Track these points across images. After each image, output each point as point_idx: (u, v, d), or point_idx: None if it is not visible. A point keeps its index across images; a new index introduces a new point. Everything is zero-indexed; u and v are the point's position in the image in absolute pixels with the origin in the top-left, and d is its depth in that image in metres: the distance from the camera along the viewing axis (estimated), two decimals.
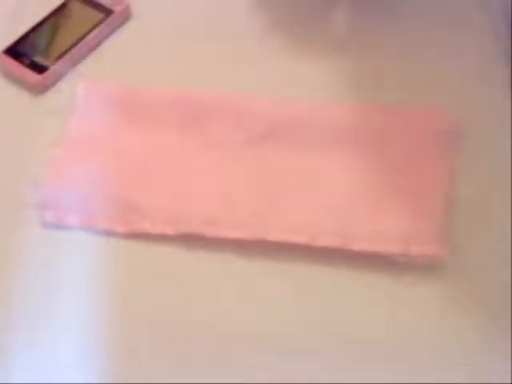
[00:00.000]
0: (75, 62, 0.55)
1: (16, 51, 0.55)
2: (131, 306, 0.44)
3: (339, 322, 0.42)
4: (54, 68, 0.54)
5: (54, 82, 0.54)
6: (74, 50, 0.55)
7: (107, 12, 0.57)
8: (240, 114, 0.49)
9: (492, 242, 0.44)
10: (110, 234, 0.46)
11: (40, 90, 0.53)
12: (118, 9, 0.57)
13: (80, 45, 0.55)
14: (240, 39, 0.55)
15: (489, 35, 0.53)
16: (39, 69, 0.53)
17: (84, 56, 0.55)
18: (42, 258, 0.46)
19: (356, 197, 0.45)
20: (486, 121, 0.49)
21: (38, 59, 0.54)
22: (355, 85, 0.51)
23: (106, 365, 0.42)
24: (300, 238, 0.44)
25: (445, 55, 0.53)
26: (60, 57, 0.54)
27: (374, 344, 0.41)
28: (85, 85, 0.52)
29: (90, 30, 0.56)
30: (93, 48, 0.56)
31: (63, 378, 0.41)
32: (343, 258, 0.44)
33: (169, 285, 0.44)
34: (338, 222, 0.44)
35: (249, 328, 0.42)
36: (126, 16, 0.58)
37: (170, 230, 0.45)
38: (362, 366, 0.41)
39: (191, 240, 0.45)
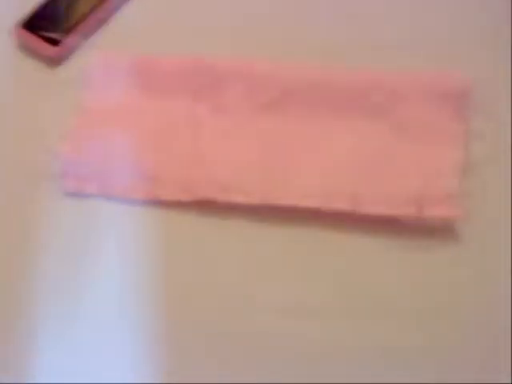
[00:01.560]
0: (90, 33, 0.55)
1: (32, 24, 0.55)
2: (145, 271, 0.45)
3: (352, 286, 0.43)
4: (70, 39, 0.54)
5: (69, 54, 0.54)
6: (88, 21, 0.55)
7: None
8: (252, 80, 0.49)
9: (506, 205, 0.44)
10: (126, 201, 0.47)
11: (56, 61, 0.54)
12: None
13: (94, 15, 0.55)
14: (252, 4, 0.55)
15: None
16: (55, 41, 0.54)
17: (99, 26, 0.56)
18: (65, 227, 0.47)
19: (368, 160, 0.45)
20: (500, 82, 0.48)
21: (54, 31, 0.54)
22: (366, 49, 0.51)
23: (136, 329, 0.43)
24: (312, 202, 0.44)
25: (457, 17, 0.52)
26: (75, 28, 0.55)
27: (387, 309, 0.42)
28: (99, 55, 0.53)
29: (104, 0, 0.56)
30: (107, 18, 0.56)
31: (89, 353, 0.42)
32: (355, 223, 0.44)
33: (183, 250, 0.45)
34: (350, 185, 0.45)
35: (262, 293, 0.43)
36: None
37: (184, 197, 0.46)
38: (373, 330, 0.41)
39: (205, 206, 0.46)
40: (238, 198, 0.45)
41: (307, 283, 0.43)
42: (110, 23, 0.56)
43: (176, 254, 0.45)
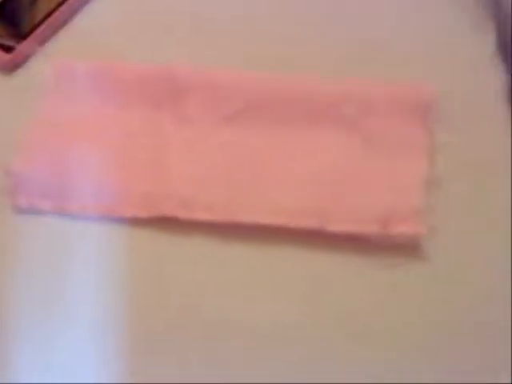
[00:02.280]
0: (46, 40, 0.53)
1: None
2: (106, 288, 0.43)
3: (319, 304, 0.42)
4: (24, 46, 0.52)
5: (24, 61, 0.52)
6: (44, 27, 0.53)
7: None
8: (216, 90, 0.48)
9: (473, 220, 0.43)
10: (83, 218, 0.45)
11: (10, 69, 0.52)
12: None
13: (50, 21, 0.53)
14: (216, 11, 0.53)
15: (471, 6, 0.51)
16: (8, 48, 0.52)
17: (55, 33, 0.53)
18: (16, 244, 0.45)
19: (336, 175, 0.44)
20: (468, 94, 0.47)
21: (7, 38, 0.52)
22: (335, 59, 0.50)
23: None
24: (278, 220, 0.43)
25: (424, 29, 0.51)
26: (30, 34, 0.52)
27: (352, 327, 0.41)
28: (56, 63, 0.51)
29: (60, 5, 0.54)
30: (64, 24, 0.54)
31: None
32: (321, 240, 0.43)
33: (143, 268, 0.44)
34: (318, 202, 0.43)
35: (227, 311, 0.42)
36: None
37: (144, 213, 0.44)
38: (342, 350, 0.40)
39: (166, 223, 0.44)
40: (201, 215, 0.43)
41: (273, 301, 0.42)
42: (67, 29, 0.53)
43: (137, 273, 0.43)
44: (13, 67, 0.52)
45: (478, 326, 0.40)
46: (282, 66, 0.49)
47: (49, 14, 0.53)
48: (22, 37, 0.52)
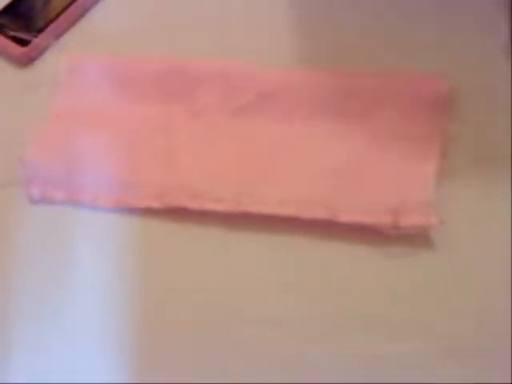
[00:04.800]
0: (60, 33, 0.54)
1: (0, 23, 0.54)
2: (118, 279, 0.43)
3: (327, 294, 0.42)
4: (39, 40, 0.53)
5: (39, 54, 0.53)
6: (59, 21, 0.54)
7: None
8: (227, 82, 0.48)
9: (483, 213, 0.43)
10: (96, 208, 0.46)
11: (25, 62, 0.52)
12: None
13: (65, 15, 0.54)
14: (227, 4, 0.54)
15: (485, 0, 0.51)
16: (24, 41, 0.52)
17: (70, 27, 0.54)
18: (31, 234, 0.45)
19: (344, 167, 0.44)
20: (481, 86, 0.47)
21: (23, 31, 0.53)
22: (343, 49, 0.49)
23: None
24: (286, 210, 0.43)
25: (437, 16, 0.51)
26: (44, 28, 0.53)
27: (363, 317, 0.41)
28: (69, 56, 0.51)
29: (74, 0, 0.54)
30: (79, 18, 0.54)
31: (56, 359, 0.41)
32: (331, 231, 0.43)
33: (154, 258, 0.44)
34: (326, 193, 0.43)
35: (237, 301, 0.42)
36: None
37: (155, 204, 0.44)
38: (350, 340, 0.40)
39: (176, 214, 0.44)
40: (212, 206, 0.44)
41: (282, 292, 0.42)
42: (81, 24, 0.54)
43: (151, 263, 0.44)
44: (28, 60, 0.52)
45: (481, 322, 0.40)
46: (288, 58, 0.49)
47: (64, 9, 0.54)
48: (37, 31, 0.53)
